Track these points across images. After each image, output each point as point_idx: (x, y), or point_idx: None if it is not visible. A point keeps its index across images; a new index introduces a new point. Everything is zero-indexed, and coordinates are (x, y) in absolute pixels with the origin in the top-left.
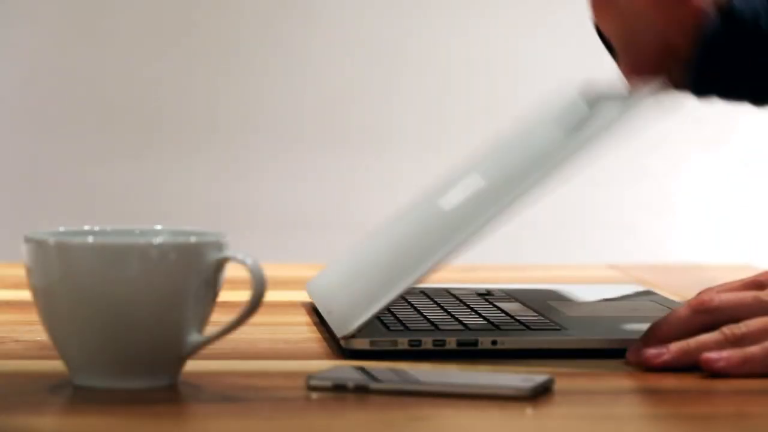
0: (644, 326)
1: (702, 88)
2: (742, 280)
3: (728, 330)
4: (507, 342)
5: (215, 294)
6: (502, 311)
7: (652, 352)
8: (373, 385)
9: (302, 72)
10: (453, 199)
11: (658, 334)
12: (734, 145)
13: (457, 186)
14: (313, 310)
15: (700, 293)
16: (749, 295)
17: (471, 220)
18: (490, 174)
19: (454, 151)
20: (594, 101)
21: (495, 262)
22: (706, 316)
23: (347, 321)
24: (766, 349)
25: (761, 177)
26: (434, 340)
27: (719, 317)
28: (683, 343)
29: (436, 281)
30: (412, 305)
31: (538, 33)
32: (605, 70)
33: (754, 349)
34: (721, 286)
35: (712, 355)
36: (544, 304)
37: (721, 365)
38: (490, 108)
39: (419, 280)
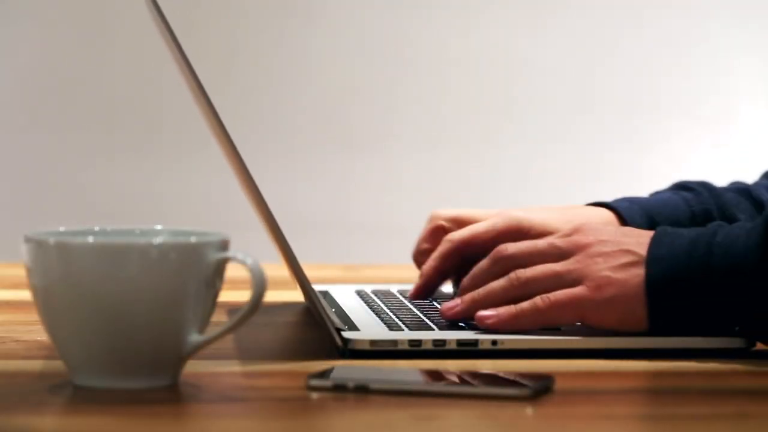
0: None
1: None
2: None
3: (514, 275)
4: (507, 342)
5: (215, 294)
6: None
7: (447, 304)
8: (373, 385)
9: (302, 72)
10: None
11: (464, 286)
12: (736, 145)
13: None
14: (313, 310)
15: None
16: (543, 241)
17: None
18: None
19: (454, 151)
20: None
21: None
22: (501, 266)
23: None
24: (535, 305)
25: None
26: (434, 340)
27: (514, 265)
28: (474, 293)
29: None
30: (412, 305)
31: (537, 33)
32: (601, 69)
33: (524, 305)
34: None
35: (485, 312)
36: None
37: (492, 322)
38: (489, 108)
39: None
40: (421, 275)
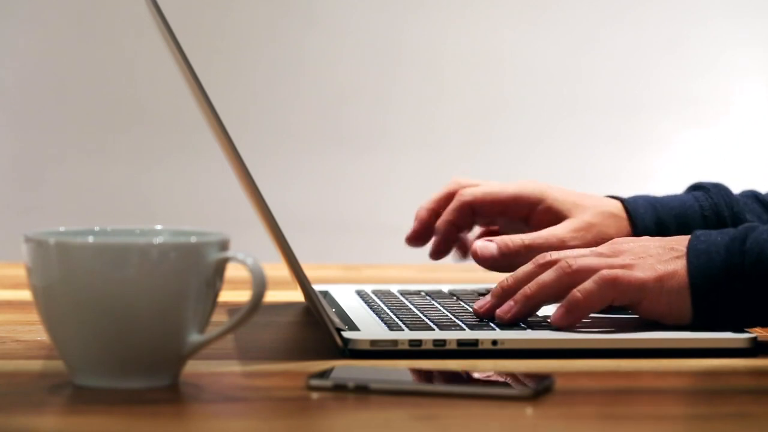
0: (644, 326)
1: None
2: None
3: (565, 263)
4: (507, 342)
5: (215, 294)
6: None
7: (503, 308)
8: (373, 385)
9: (301, 72)
10: None
11: (506, 287)
12: (730, 144)
13: None
14: (313, 310)
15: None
16: (586, 249)
17: None
18: None
19: (450, 150)
20: None
21: None
22: (545, 267)
23: None
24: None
25: (763, 180)
26: (434, 340)
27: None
28: (525, 288)
29: (437, 281)
30: (412, 305)
31: (532, 32)
32: (597, 68)
33: (586, 285)
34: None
35: (502, 308)
36: None
37: (559, 314)
38: (485, 107)
39: None
40: (436, 230)
